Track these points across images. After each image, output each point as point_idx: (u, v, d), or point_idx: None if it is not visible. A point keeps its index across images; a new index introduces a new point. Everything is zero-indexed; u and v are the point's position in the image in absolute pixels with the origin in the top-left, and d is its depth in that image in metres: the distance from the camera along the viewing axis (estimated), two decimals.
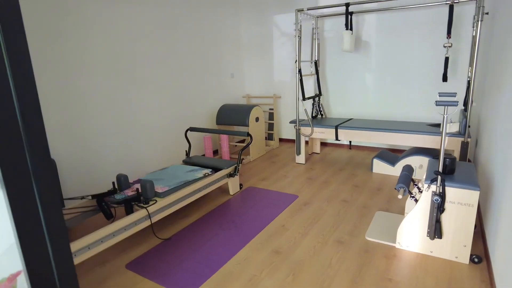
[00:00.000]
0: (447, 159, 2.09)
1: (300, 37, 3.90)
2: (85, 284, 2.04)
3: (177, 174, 2.93)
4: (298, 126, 4.08)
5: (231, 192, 3.31)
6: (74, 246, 1.88)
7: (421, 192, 2.13)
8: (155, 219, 2.44)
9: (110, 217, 2.52)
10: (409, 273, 2.00)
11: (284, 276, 2.03)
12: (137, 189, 2.55)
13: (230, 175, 3.24)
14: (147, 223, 2.37)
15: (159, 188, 2.59)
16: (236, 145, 4.89)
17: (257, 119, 4.44)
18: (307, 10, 3.78)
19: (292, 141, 5.28)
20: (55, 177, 2.57)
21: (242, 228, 2.63)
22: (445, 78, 3.47)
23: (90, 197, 2.62)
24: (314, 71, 4.52)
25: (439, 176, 2.01)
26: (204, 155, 4.51)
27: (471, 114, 3.11)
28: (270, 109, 5.03)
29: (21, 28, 0.58)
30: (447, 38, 3.45)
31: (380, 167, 3.73)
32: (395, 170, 3.64)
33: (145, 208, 2.34)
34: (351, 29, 3.91)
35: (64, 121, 2.83)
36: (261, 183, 3.57)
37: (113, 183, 2.58)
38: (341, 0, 4.24)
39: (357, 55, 4.37)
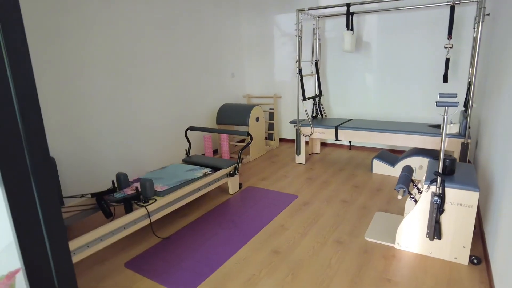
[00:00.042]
0: (447, 160, 2.08)
1: (301, 37, 3.89)
2: (84, 282, 2.04)
3: (177, 173, 2.93)
4: (298, 126, 4.08)
5: (231, 192, 3.31)
6: (73, 244, 1.88)
7: (420, 192, 2.13)
8: (155, 218, 2.44)
9: (110, 216, 2.52)
10: (408, 273, 2.00)
11: (283, 275, 2.03)
12: (137, 188, 2.55)
13: (230, 174, 3.24)
14: (146, 222, 2.37)
15: (158, 187, 2.60)
16: (236, 145, 4.89)
17: (257, 119, 4.44)
18: (308, 10, 3.78)
19: (292, 141, 5.28)
20: (55, 175, 2.58)
21: (241, 227, 2.63)
22: (445, 79, 3.47)
23: (89, 196, 2.62)
24: (314, 71, 4.52)
25: (438, 177, 2.01)
26: (204, 154, 4.51)
27: (471, 115, 3.11)
28: (271, 109, 5.03)
29: (21, 28, 0.58)
30: (448, 39, 3.45)
31: (380, 167, 3.73)
32: (395, 171, 3.63)
33: (145, 207, 2.34)
34: (352, 30, 3.90)
35: (65, 120, 2.83)
36: (261, 183, 3.57)
37: (113, 181, 2.58)
38: (342, 0, 4.24)
39: (357, 55, 4.36)
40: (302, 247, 2.32)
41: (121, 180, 2.61)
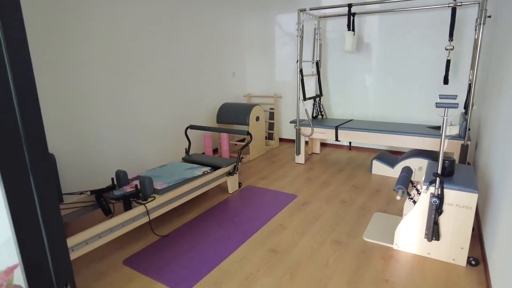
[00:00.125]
0: (446, 161, 2.09)
1: (302, 37, 3.89)
2: (82, 279, 2.04)
3: (176, 172, 2.93)
4: (298, 126, 4.08)
5: (230, 191, 3.31)
6: (72, 241, 1.89)
7: (419, 193, 2.14)
8: (153, 215, 2.45)
9: (109, 213, 2.52)
10: (406, 274, 2.00)
11: (281, 275, 2.03)
12: (136, 185, 2.55)
13: (229, 173, 3.24)
14: (145, 219, 2.37)
15: (158, 185, 2.60)
16: (236, 144, 4.89)
17: (257, 119, 4.44)
18: (310, 10, 3.77)
19: (292, 141, 5.28)
20: (54, 172, 2.58)
21: (240, 226, 2.63)
22: (446, 81, 3.47)
23: (89, 193, 2.63)
24: (315, 72, 4.52)
25: (437, 178, 2.01)
26: (204, 153, 4.51)
27: (471, 117, 3.11)
28: (271, 108, 5.03)
29: (21, 27, 0.58)
30: (449, 40, 3.44)
31: (379, 168, 3.73)
32: (395, 172, 3.64)
33: (144, 204, 2.34)
34: (353, 30, 3.90)
35: (65, 118, 2.83)
36: (260, 182, 3.58)
37: (112, 179, 2.58)
38: (344, 0, 4.23)
39: (358, 56, 4.36)
40: (301, 247, 2.33)
41: (121, 177, 2.61)
